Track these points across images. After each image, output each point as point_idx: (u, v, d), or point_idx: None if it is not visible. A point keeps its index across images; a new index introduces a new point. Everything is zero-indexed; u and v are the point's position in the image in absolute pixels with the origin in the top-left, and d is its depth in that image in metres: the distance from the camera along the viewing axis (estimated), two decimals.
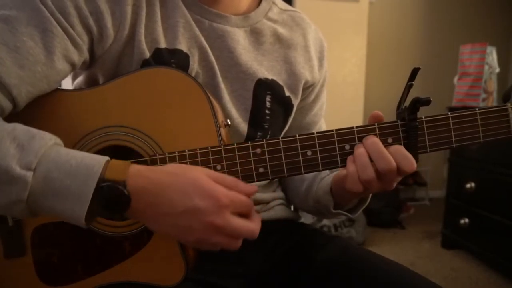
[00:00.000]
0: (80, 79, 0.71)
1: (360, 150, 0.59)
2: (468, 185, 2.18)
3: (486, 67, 2.26)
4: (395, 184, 0.61)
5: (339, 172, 0.69)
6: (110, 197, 0.49)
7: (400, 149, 0.58)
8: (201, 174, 0.52)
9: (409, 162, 0.58)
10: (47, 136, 0.51)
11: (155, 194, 0.51)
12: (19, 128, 0.51)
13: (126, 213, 0.51)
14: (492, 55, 2.30)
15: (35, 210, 0.50)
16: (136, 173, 0.51)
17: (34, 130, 0.51)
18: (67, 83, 0.69)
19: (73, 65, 0.62)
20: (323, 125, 0.90)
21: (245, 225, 0.53)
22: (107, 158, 0.51)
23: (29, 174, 0.48)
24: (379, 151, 0.58)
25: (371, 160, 0.58)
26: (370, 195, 0.74)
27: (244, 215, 0.54)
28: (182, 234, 0.52)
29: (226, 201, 0.51)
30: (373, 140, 0.59)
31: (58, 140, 0.53)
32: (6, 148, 0.48)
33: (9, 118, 0.54)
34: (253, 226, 0.53)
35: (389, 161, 0.57)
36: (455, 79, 2.43)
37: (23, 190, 0.48)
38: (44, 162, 0.49)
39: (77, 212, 0.49)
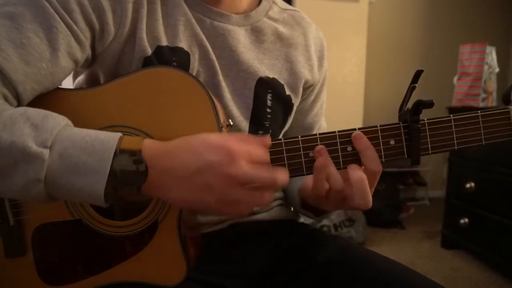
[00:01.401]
0: (81, 78, 0.71)
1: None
2: (468, 185, 2.18)
3: (486, 67, 2.26)
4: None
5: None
6: (128, 168, 0.49)
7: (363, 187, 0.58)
8: (210, 133, 0.52)
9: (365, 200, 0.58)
10: (60, 117, 0.52)
11: (168, 159, 0.51)
12: (31, 109, 0.51)
13: (143, 186, 0.51)
14: (492, 55, 2.30)
15: (53, 190, 0.50)
16: (149, 144, 0.52)
17: (46, 111, 0.51)
18: (67, 83, 0.69)
19: (76, 62, 0.62)
20: (323, 124, 0.90)
21: (264, 172, 0.50)
22: (120, 134, 0.52)
23: (46, 152, 0.48)
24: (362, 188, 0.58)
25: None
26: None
27: (263, 166, 0.52)
28: (201, 197, 0.51)
29: (238, 151, 0.50)
30: (361, 177, 0.58)
31: (69, 121, 0.53)
32: (20, 127, 0.48)
33: None
34: (272, 173, 0.51)
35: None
36: (455, 79, 2.43)
37: (40, 168, 0.48)
38: (59, 140, 0.49)
39: (95, 187, 0.49)
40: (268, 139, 0.55)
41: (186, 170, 0.50)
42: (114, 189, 0.50)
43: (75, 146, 0.49)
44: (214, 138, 0.51)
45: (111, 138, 0.50)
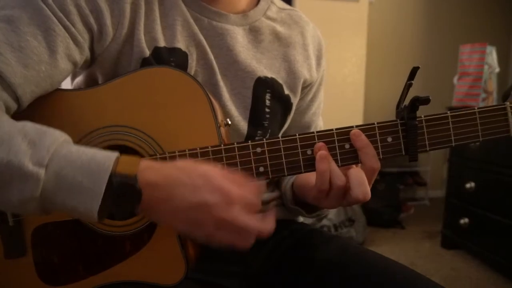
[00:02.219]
0: (79, 79, 0.71)
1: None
2: (468, 185, 2.18)
3: (486, 67, 2.26)
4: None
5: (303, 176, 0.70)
6: (122, 191, 0.49)
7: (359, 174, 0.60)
8: (210, 170, 0.52)
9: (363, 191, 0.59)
10: (57, 133, 0.51)
11: (165, 188, 0.51)
12: (29, 125, 0.51)
13: (137, 208, 0.51)
14: (492, 55, 2.30)
15: (47, 207, 0.50)
16: (146, 168, 0.51)
17: (44, 127, 0.51)
18: (66, 83, 0.69)
19: (75, 64, 0.62)
20: (320, 123, 0.90)
21: (254, 223, 0.52)
22: (117, 154, 0.51)
23: (42, 171, 0.48)
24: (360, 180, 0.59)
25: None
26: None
27: (254, 213, 0.54)
28: (191, 229, 0.52)
29: (235, 197, 0.51)
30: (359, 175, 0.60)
31: (68, 137, 0.53)
32: (18, 144, 0.48)
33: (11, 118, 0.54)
34: (261, 225, 0.53)
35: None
36: (455, 79, 2.43)
37: (35, 187, 0.48)
38: (55, 159, 0.49)
39: (89, 207, 0.49)
40: (263, 185, 0.56)
41: (182, 202, 0.50)
42: (107, 210, 0.50)
43: (72, 165, 0.49)
44: (215, 177, 0.52)
45: (108, 158, 0.50)
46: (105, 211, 0.51)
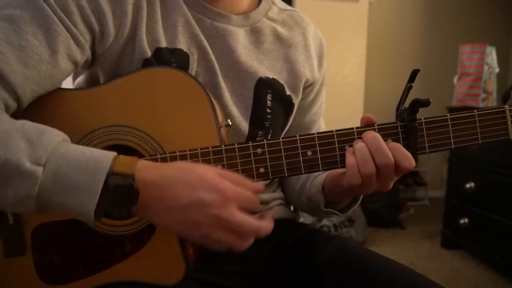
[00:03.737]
0: (80, 78, 0.71)
1: (360, 143, 0.59)
2: (468, 185, 2.18)
3: (486, 67, 2.26)
4: (391, 184, 0.61)
5: (333, 170, 0.68)
6: (119, 191, 0.49)
7: (398, 147, 0.58)
8: (207, 170, 0.52)
9: (408, 160, 0.58)
10: (56, 132, 0.51)
11: (161, 188, 0.51)
12: (28, 124, 0.51)
13: (133, 208, 0.51)
14: (492, 55, 2.30)
15: (44, 206, 0.50)
16: (143, 168, 0.51)
17: (43, 126, 0.51)
18: (67, 83, 0.69)
19: (75, 64, 0.62)
20: (322, 124, 0.90)
21: (251, 221, 0.52)
22: (115, 153, 0.51)
23: (39, 170, 0.48)
24: (378, 146, 0.58)
25: (371, 154, 0.58)
26: (362, 196, 0.73)
27: (251, 212, 0.53)
28: (188, 229, 0.52)
29: (232, 195, 0.51)
30: (373, 135, 0.59)
31: (66, 137, 0.53)
32: (16, 143, 0.48)
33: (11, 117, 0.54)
34: (259, 224, 0.52)
35: (388, 156, 0.57)
36: (455, 79, 2.43)
37: (33, 185, 0.48)
38: (53, 158, 0.49)
39: (86, 207, 0.49)
40: (261, 186, 0.55)
41: (179, 202, 0.50)
42: (104, 209, 0.50)
43: (69, 164, 0.49)
44: (212, 176, 0.51)
45: (105, 158, 0.50)
46: (102, 211, 0.51)
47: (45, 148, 0.49)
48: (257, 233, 0.52)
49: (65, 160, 0.49)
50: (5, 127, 0.50)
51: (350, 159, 0.59)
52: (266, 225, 0.53)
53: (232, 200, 0.51)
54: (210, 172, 0.52)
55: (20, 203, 0.49)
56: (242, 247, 0.53)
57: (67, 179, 0.49)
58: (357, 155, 0.58)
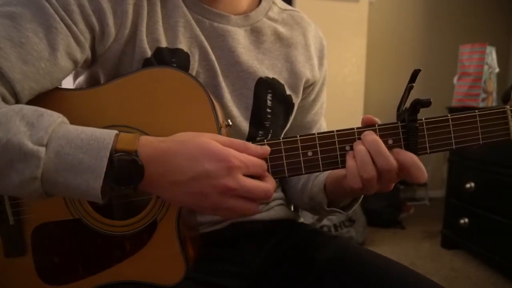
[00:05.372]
0: (81, 78, 0.71)
1: (360, 146, 0.58)
2: (468, 185, 2.18)
3: (486, 67, 2.26)
4: (392, 186, 0.61)
5: (334, 171, 0.68)
6: (124, 167, 0.49)
7: (414, 160, 0.57)
8: (209, 139, 0.52)
9: (423, 175, 0.57)
10: (55, 114, 0.52)
11: (165, 162, 0.51)
12: (26, 107, 0.51)
13: (139, 185, 0.51)
14: (492, 55, 2.30)
15: (49, 188, 0.50)
16: (146, 143, 0.51)
17: (41, 109, 0.51)
18: (68, 83, 0.69)
19: (75, 63, 0.62)
20: (323, 124, 0.90)
21: (259, 185, 0.52)
22: (116, 131, 0.52)
23: (42, 150, 0.48)
24: (378, 149, 0.57)
25: (372, 158, 0.58)
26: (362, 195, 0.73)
27: (258, 177, 0.54)
28: (196, 201, 0.52)
29: (236, 162, 0.51)
30: (373, 138, 0.58)
31: (65, 119, 0.53)
32: (16, 125, 0.48)
33: None
34: (267, 185, 0.53)
35: (388, 159, 0.57)
36: (455, 79, 2.43)
37: (36, 166, 0.48)
38: (54, 138, 0.49)
39: (92, 185, 0.49)
40: (267, 148, 0.55)
41: (183, 175, 0.50)
42: (110, 187, 0.50)
43: (71, 144, 0.49)
44: (214, 146, 0.51)
45: (107, 136, 0.50)
46: (108, 190, 0.51)
47: (46, 129, 0.49)
48: (266, 195, 0.52)
49: (67, 140, 0.49)
50: (4, 110, 0.50)
51: (350, 162, 0.59)
52: (273, 184, 0.54)
53: (237, 167, 0.51)
54: (212, 142, 0.52)
55: (25, 186, 0.49)
56: (255, 212, 0.53)
57: (70, 158, 0.49)
58: (357, 159, 0.58)
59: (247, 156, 0.53)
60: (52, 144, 0.49)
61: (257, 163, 0.53)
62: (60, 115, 0.52)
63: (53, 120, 0.50)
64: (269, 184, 0.53)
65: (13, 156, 0.48)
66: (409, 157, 0.57)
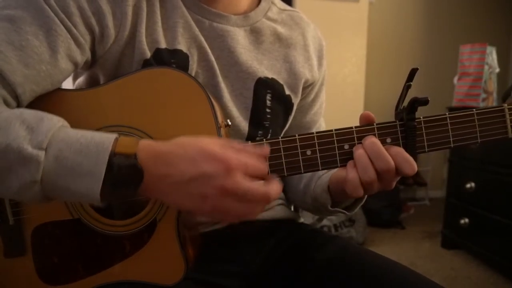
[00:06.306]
0: (81, 79, 0.72)
1: (359, 151, 0.59)
2: (468, 185, 2.18)
3: (486, 67, 2.26)
4: (394, 184, 0.61)
5: (337, 171, 0.69)
6: (123, 171, 0.49)
7: (400, 151, 0.58)
8: (208, 142, 0.52)
9: (410, 166, 0.58)
10: (55, 118, 0.52)
11: (164, 165, 0.51)
12: (26, 111, 0.51)
13: (139, 188, 0.51)
14: (492, 55, 2.30)
15: (49, 192, 0.50)
16: (145, 147, 0.51)
17: (42, 113, 0.51)
18: (68, 84, 0.69)
19: (76, 65, 0.62)
20: (322, 124, 0.90)
21: (258, 187, 0.51)
22: (115, 135, 0.52)
23: (41, 154, 0.48)
24: (377, 151, 0.58)
25: (371, 161, 0.58)
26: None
27: (259, 179, 0.53)
28: (196, 203, 0.51)
29: (235, 164, 0.50)
30: (372, 140, 0.59)
31: (65, 123, 0.53)
32: (16, 130, 0.48)
33: None
34: (266, 188, 0.52)
35: (387, 161, 0.57)
36: (455, 79, 2.43)
37: (36, 170, 0.48)
38: (54, 142, 0.49)
39: (91, 189, 0.49)
40: (267, 149, 0.55)
41: (182, 177, 0.50)
42: (110, 191, 0.50)
43: (70, 148, 0.49)
44: (212, 147, 0.51)
45: (106, 140, 0.50)
46: (108, 194, 0.51)
47: (46, 133, 0.49)
48: (266, 198, 0.52)
49: (66, 144, 0.49)
50: (4, 115, 0.50)
51: (351, 173, 0.59)
52: (273, 188, 0.53)
53: (236, 169, 0.50)
54: (211, 144, 0.52)
55: (25, 190, 0.49)
56: (253, 215, 0.53)
57: (69, 162, 0.49)
58: (358, 166, 0.58)
59: (246, 157, 0.52)
60: (51, 148, 0.49)
61: (256, 164, 0.53)
62: (61, 119, 0.52)
63: (53, 124, 0.51)
64: (270, 187, 0.52)
65: (12, 160, 0.48)
66: (395, 150, 0.58)
